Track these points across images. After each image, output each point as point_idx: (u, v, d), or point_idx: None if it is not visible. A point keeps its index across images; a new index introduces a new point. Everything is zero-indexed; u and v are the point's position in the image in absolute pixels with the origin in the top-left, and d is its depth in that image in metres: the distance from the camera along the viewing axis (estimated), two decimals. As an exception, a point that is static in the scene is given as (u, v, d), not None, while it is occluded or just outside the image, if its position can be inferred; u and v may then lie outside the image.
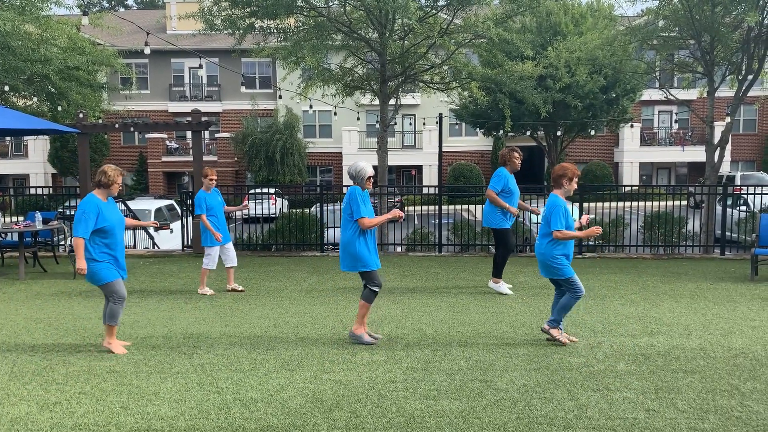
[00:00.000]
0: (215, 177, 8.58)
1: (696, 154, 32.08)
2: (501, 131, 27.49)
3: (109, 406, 4.51)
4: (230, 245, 8.73)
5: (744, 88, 13.97)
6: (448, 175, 34.13)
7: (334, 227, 13.26)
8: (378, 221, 5.89)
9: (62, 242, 12.86)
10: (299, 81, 16.48)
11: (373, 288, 5.95)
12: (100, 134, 32.85)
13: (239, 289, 8.71)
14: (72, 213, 22.64)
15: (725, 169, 30.98)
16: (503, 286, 8.41)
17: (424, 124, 34.46)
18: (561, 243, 5.80)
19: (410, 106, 34.83)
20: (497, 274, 8.43)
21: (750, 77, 13.90)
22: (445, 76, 15.95)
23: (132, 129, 13.18)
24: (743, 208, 14.81)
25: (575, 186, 5.87)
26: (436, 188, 12.77)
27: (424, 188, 25.75)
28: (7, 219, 16.38)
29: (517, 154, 8.30)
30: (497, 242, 8.47)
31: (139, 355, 5.71)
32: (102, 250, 5.68)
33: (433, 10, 13.76)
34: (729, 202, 14.23)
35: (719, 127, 17.36)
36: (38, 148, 35.40)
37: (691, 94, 27.20)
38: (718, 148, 14.21)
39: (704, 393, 4.71)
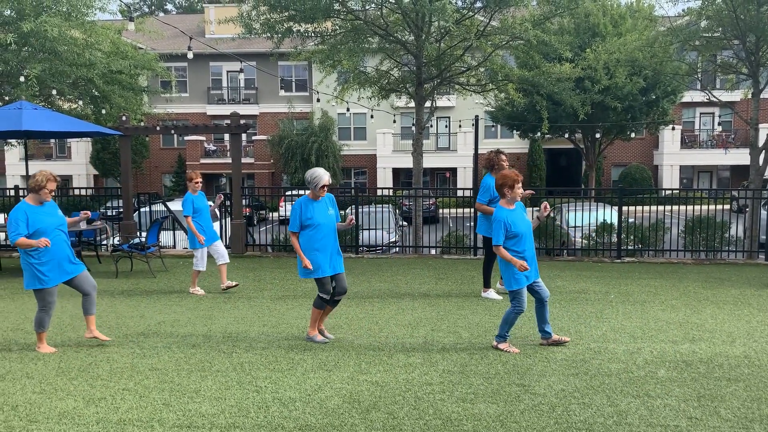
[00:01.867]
0: (200, 180, 8.78)
1: (739, 157, 31.27)
2: (538, 133, 27.24)
3: (152, 403, 4.61)
4: (218, 243, 8.88)
5: (791, 89, 13.61)
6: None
7: (368, 229, 13.32)
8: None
9: (104, 242, 13.18)
10: (335, 84, 16.61)
11: (320, 294, 6.12)
12: (141, 136, 33.57)
13: (233, 284, 8.80)
14: (113, 213, 23.18)
15: (770, 172, 30.12)
16: (491, 293, 8.32)
17: (459, 126, 34.33)
18: (513, 252, 5.70)
19: (445, 108, 34.78)
20: (487, 283, 8.35)
21: (797, 78, 13.54)
22: (482, 78, 15.89)
23: (173, 131, 13.45)
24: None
25: (520, 191, 5.79)
26: (471, 191, 12.71)
27: (458, 190, 25.61)
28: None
29: (504, 157, 8.11)
30: (486, 250, 8.32)
31: (180, 353, 5.83)
32: (36, 254, 5.73)
33: (470, 12, 13.73)
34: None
35: (765, 130, 16.91)
36: (81, 150, 36.38)
37: (735, 96, 26.49)
38: (764, 151, 13.85)
39: (749, 402, 4.60)
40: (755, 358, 5.65)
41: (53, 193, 5.89)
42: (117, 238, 12.98)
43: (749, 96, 14.79)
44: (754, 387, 4.90)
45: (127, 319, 7.21)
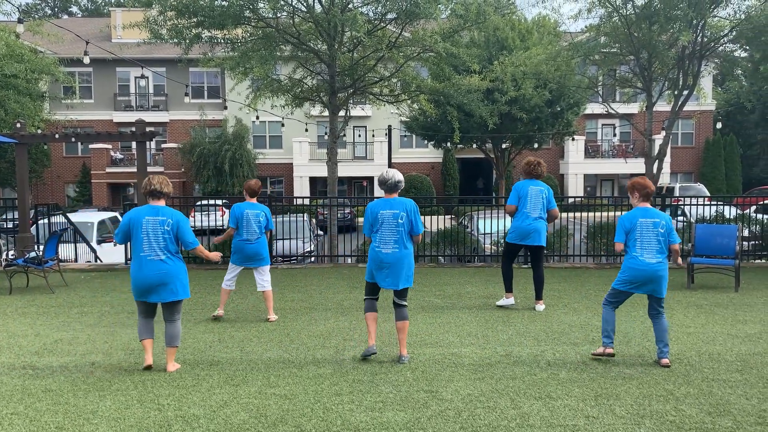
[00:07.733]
0: None
1: (637, 166, 33.13)
2: (449, 143, 27.86)
3: (44, 427, 4.35)
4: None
5: (680, 102, 14.55)
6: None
7: (284, 239, 13.15)
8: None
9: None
10: (248, 91, 16.36)
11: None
12: (41, 145, 31.81)
13: None
14: (9, 226, 21.86)
15: (665, 180, 32.10)
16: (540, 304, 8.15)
17: (373, 135, 34.62)
18: (630, 253, 5.85)
19: (361, 117, 34.97)
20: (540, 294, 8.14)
21: (685, 92, 14.50)
22: (395, 89, 16.09)
23: (73, 139, 12.82)
24: (681, 218, 15.36)
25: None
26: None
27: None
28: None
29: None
30: (540, 259, 8.19)
31: (77, 372, 5.53)
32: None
33: (382, 24, 13.89)
34: (667, 213, 14.71)
35: (658, 141, 18.01)
36: (-26, 158, 33.99)
37: (632, 108, 28.12)
38: (657, 161, 14.74)
39: (641, 399, 4.85)
40: (648, 357, 5.97)
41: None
42: (12, 252, 12.22)
43: (644, 109, 15.71)
44: (645, 384, 5.17)
45: (20, 338, 6.78)
